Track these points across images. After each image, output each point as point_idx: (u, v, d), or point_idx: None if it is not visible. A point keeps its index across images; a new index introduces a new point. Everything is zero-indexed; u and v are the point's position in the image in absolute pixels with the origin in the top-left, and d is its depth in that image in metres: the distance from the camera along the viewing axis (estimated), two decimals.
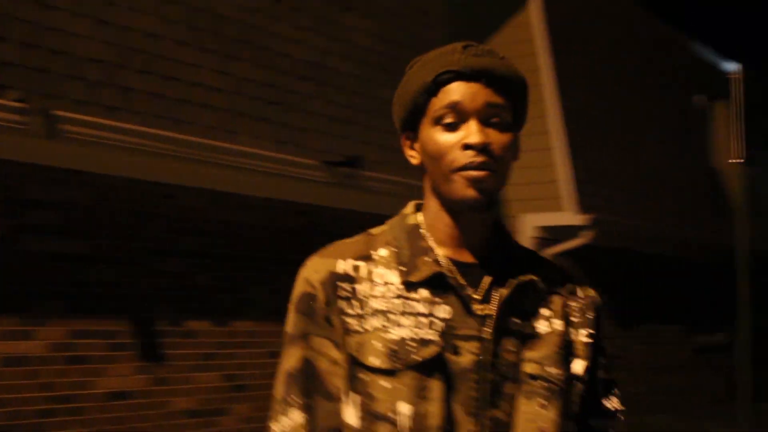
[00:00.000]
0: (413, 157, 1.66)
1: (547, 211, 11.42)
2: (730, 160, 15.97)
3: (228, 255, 7.78)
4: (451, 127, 1.56)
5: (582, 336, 1.65)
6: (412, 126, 1.64)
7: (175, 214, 7.36)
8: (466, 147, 1.54)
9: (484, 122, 1.56)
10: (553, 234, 11.52)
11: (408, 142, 1.67)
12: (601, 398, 1.69)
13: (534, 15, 11.69)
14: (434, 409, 1.51)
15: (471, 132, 1.54)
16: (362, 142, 8.75)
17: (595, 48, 12.96)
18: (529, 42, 11.61)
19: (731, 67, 17.81)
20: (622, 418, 1.73)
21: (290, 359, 1.61)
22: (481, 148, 1.53)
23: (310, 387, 1.58)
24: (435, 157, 1.57)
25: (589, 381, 1.66)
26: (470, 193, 1.54)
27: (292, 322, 1.63)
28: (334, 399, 1.57)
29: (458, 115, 1.56)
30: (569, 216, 11.18)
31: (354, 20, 8.99)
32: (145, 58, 6.95)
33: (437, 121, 1.58)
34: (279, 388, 1.62)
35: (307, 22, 8.41)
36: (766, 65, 17.43)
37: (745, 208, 4.74)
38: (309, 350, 1.59)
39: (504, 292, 1.57)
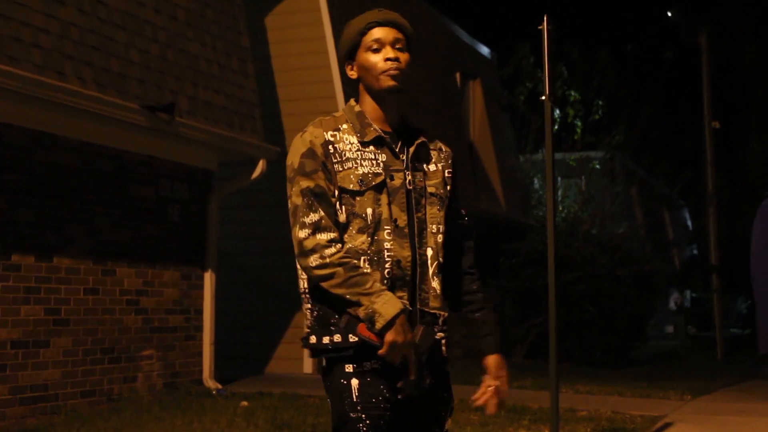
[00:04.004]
0: (352, 74, 2.82)
1: None
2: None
3: (50, 194, 8.04)
4: (376, 51, 2.76)
5: (446, 172, 2.88)
6: (350, 56, 2.81)
7: (1, 151, 7.56)
8: (387, 59, 2.74)
9: (393, 47, 2.76)
10: None
11: (349, 66, 2.83)
12: (459, 207, 2.93)
13: None
14: (383, 210, 2.70)
15: (388, 52, 2.75)
16: (173, 92, 9.22)
17: None
18: (316, 11, 12.42)
19: (485, 50, 19.50)
20: (467, 217, 2.96)
21: (305, 183, 2.69)
22: (394, 59, 2.74)
23: (320, 198, 2.68)
24: (369, 68, 2.76)
25: (450, 197, 2.87)
26: (391, 82, 2.73)
27: (301, 164, 2.70)
28: (332, 206, 2.69)
29: (380, 44, 2.76)
30: None
31: None
32: None
33: (368, 48, 2.76)
34: (300, 200, 2.68)
35: None
36: (510, 49, 19.19)
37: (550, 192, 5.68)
38: (318, 179, 2.69)
39: (411, 149, 2.80)
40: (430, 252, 2.75)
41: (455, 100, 17.21)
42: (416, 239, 2.73)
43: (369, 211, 2.67)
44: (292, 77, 12.73)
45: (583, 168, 19.61)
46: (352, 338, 2.62)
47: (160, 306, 9.33)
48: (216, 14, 10.21)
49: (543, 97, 5.77)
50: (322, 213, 2.65)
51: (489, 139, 18.07)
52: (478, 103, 18.21)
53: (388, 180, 2.71)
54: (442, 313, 2.76)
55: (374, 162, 2.71)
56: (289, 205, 2.70)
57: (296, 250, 2.67)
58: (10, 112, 7.56)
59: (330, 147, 2.71)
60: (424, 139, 2.83)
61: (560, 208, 19.59)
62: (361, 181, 2.68)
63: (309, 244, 2.63)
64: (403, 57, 2.76)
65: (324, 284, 2.62)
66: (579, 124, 19.65)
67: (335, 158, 2.70)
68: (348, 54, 2.82)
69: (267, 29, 12.98)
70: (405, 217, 2.72)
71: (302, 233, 2.64)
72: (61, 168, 8.17)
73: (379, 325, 2.56)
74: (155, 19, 9.17)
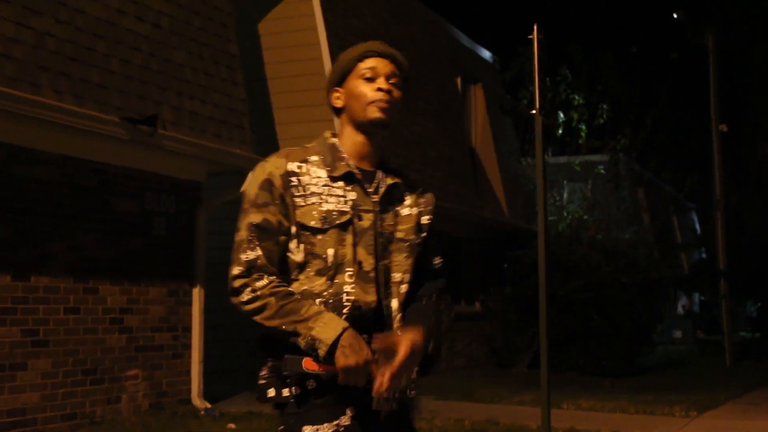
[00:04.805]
0: (338, 102, 2.59)
1: None
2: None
3: (27, 210, 7.75)
4: (369, 80, 2.54)
5: (425, 219, 2.67)
6: (339, 83, 2.59)
7: None
8: (379, 90, 2.52)
9: (387, 80, 2.55)
10: None
11: (335, 93, 2.60)
12: (430, 258, 2.68)
13: None
14: (347, 251, 2.47)
15: (381, 83, 2.54)
16: (157, 103, 8.92)
17: (366, 23, 13.67)
18: (310, 17, 12.12)
19: (486, 54, 19.18)
20: (439, 263, 2.70)
21: (254, 217, 2.47)
22: (387, 91, 2.53)
23: (265, 235, 2.45)
24: (358, 95, 2.53)
25: (425, 244, 2.65)
26: (378, 114, 2.50)
27: (255, 195, 2.48)
28: (279, 244, 2.47)
29: (374, 74, 2.55)
30: None
31: None
32: None
33: (361, 76, 2.55)
34: (244, 234, 2.47)
35: None
36: (514, 53, 18.83)
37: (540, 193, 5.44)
38: (268, 214, 2.46)
39: (382, 189, 2.55)
40: (395, 303, 2.53)
41: (456, 105, 16.88)
42: (382, 287, 2.51)
43: (330, 251, 2.46)
44: (286, 84, 12.43)
45: (588, 172, 19.26)
46: (289, 391, 2.42)
47: (145, 324, 9.03)
48: (203, 21, 9.91)
49: (533, 111, 5.46)
50: (260, 252, 2.44)
51: (491, 144, 17.74)
52: (479, 108, 17.88)
53: (355, 220, 2.49)
54: None
55: (342, 200, 2.49)
56: (235, 238, 2.47)
57: (228, 288, 2.44)
58: None
59: (293, 179, 2.49)
60: (397, 181, 2.61)
61: (565, 214, 19.25)
62: (324, 218, 2.47)
63: (240, 282, 2.42)
64: (396, 93, 2.57)
65: (258, 318, 2.40)
66: (583, 128, 19.29)
67: (297, 191, 2.48)
68: (338, 80, 2.61)
69: (260, 35, 12.69)
70: (372, 261, 2.49)
71: (236, 270, 2.44)
72: (39, 182, 7.88)
73: (321, 352, 2.33)
74: (137, 28, 8.87)
